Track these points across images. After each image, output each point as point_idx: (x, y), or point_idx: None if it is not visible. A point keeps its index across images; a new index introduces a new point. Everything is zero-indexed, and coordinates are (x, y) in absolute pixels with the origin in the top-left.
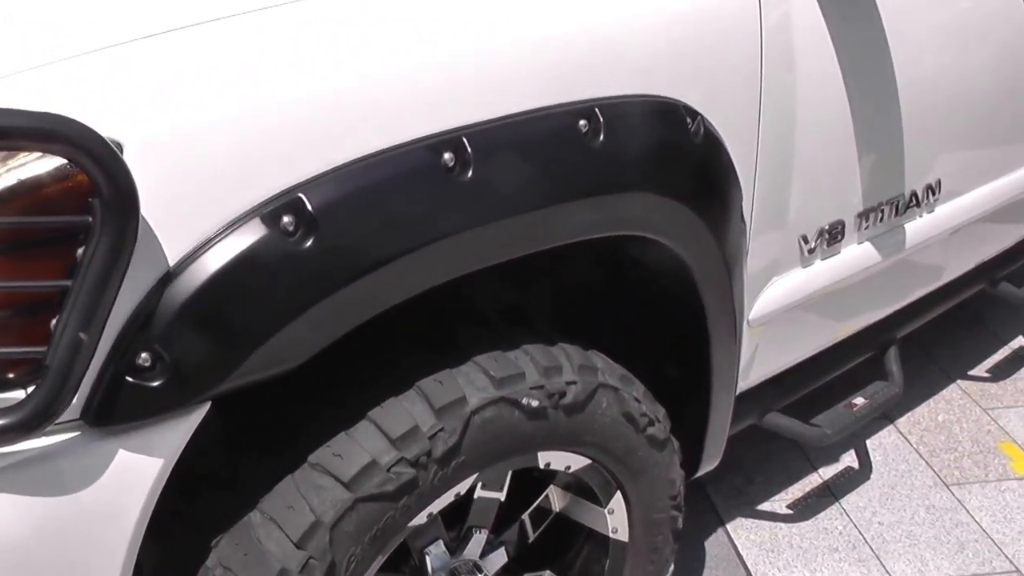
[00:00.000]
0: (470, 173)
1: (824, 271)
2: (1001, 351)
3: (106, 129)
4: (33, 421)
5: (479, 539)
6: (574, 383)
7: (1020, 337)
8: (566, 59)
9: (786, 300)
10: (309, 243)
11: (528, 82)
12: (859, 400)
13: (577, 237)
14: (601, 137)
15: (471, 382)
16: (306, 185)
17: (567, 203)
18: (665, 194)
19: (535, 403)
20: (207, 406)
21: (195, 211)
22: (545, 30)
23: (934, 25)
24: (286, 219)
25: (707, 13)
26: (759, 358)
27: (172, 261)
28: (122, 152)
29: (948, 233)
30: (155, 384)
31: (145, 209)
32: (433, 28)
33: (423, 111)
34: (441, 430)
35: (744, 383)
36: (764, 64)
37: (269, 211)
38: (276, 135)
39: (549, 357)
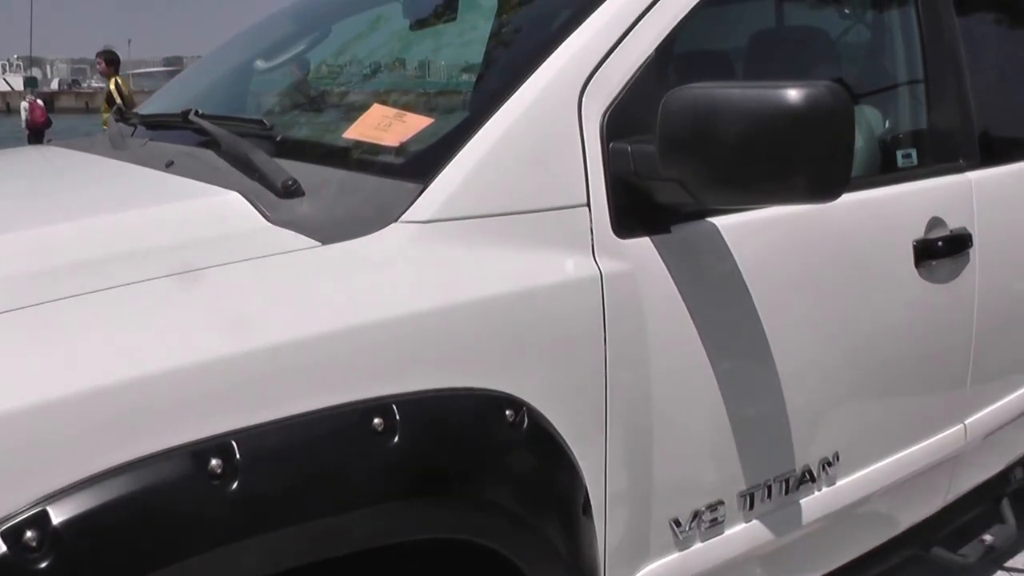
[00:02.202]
0: (237, 482)
1: (705, 552)
2: None
3: None
4: None
5: None
6: None
7: None
8: (361, 350)
9: None
10: (46, 564)
11: (315, 379)
12: None
13: (377, 543)
14: (398, 437)
15: None
16: (53, 499)
17: (355, 510)
18: (479, 494)
19: None
20: None
21: None
22: (336, 322)
23: (821, 287)
24: (29, 534)
25: (537, 296)
26: None
27: None
28: None
29: (854, 507)
30: None
31: None
32: (197, 325)
33: (187, 415)
34: None
35: None
36: (608, 341)
37: (11, 527)
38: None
39: None
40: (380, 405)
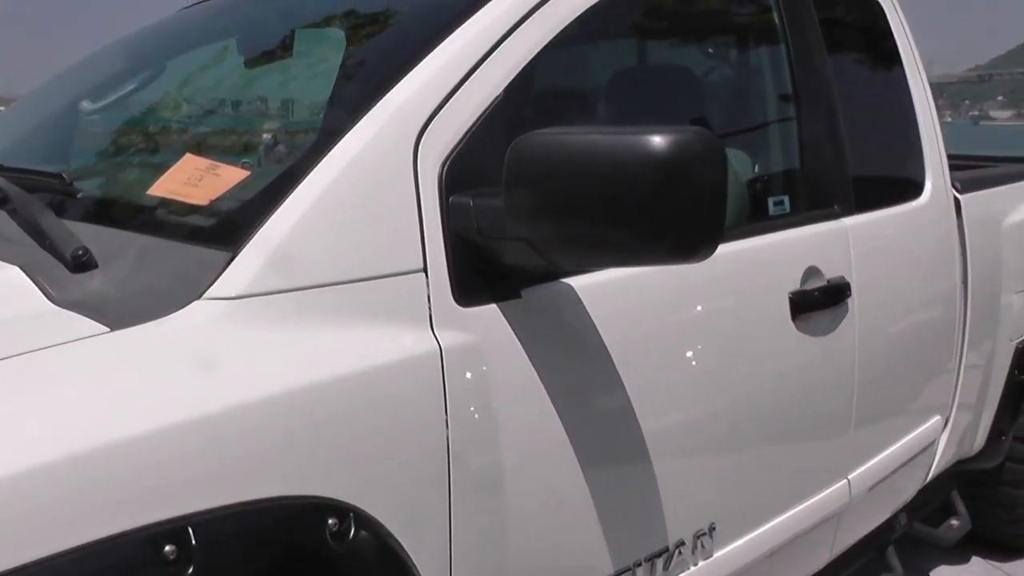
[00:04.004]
0: None
1: None
2: None
3: None
4: None
5: None
6: None
7: None
8: (145, 464)
9: None
10: None
11: (87, 504)
12: None
13: None
14: (193, 567)
15: None
16: None
17: None
18: None
19: None
20: None
21: None
22: (113, 432)
23: (690, 346)
24: None
25: (364, 380)
26: None
27: None
28: None
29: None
30: None
31: None
32: None
33: None
34: None
35: None
36: (451, 424)
37: None
38: None
39: None
40: (171, 529)
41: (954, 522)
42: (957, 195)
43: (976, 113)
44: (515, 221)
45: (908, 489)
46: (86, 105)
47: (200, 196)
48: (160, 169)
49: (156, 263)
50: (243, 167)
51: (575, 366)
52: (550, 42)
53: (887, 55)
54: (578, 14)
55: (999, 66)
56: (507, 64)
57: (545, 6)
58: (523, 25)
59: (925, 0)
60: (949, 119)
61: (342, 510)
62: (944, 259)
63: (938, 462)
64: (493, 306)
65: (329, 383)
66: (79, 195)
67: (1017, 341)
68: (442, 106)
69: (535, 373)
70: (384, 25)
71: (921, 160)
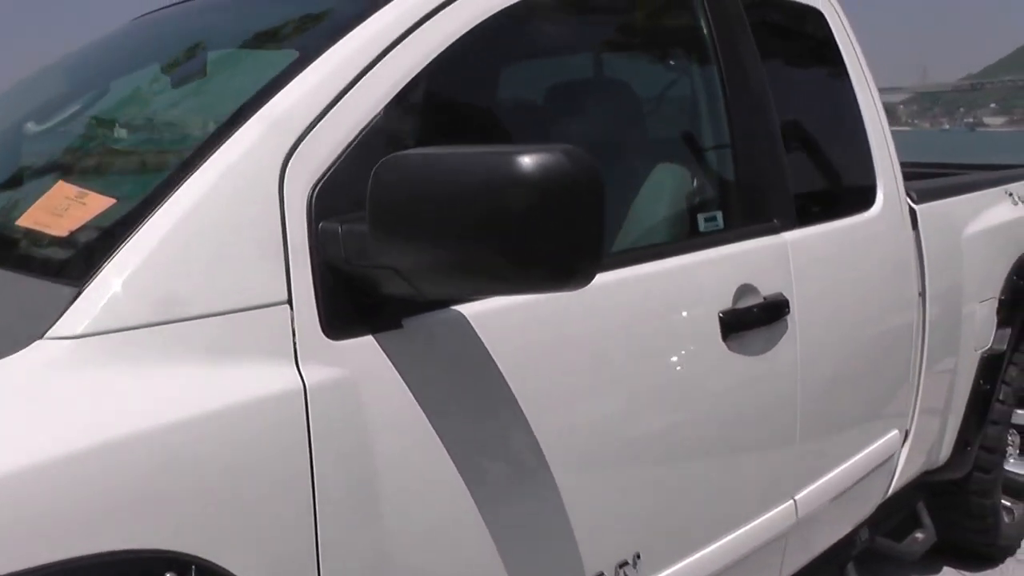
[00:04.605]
0: None
1: None
2: None
3: None
4: None
5: None
6: None
7: None
8: None
9: None
10: None
11: None
12: None
13: None
14: None
15: None
16: None
17: None
18: None
19: None
20: None
21: None
22: None
23: (606, 372)
24: None
25: (215, 422)
26: None
27: None
28: None
29: None
30: None
31: None
32: None
33: None
34: None
35: None
36: (317, 467)
37: None
38: None
39: None
40: None
41: (919, 535)
42: (912, 205)
43: (971, 120)
44: (381, 249)
45: (866, 505)
46: (31, 127)
47: (61, 227)
48: (36, 197)
49: (8, 299)
50: (112, 195)
51: (466, 399)
52: (443, 52)
53: (831, 64)
54: (478, 22)
55: (990, 75)
56: (392, 77)
57: (438, 15)
58: (410, 36)
59: (918, 12)
60: (947, 126)
61: (182, 562)
62: (898, 271)
63: (899, 476)
64: (369, 338)
65: (176, 426)
66: None
67: (982, 351)
68: (314, 125)
69: (419, 408)
70: (278, 42)
71: (871, 171)
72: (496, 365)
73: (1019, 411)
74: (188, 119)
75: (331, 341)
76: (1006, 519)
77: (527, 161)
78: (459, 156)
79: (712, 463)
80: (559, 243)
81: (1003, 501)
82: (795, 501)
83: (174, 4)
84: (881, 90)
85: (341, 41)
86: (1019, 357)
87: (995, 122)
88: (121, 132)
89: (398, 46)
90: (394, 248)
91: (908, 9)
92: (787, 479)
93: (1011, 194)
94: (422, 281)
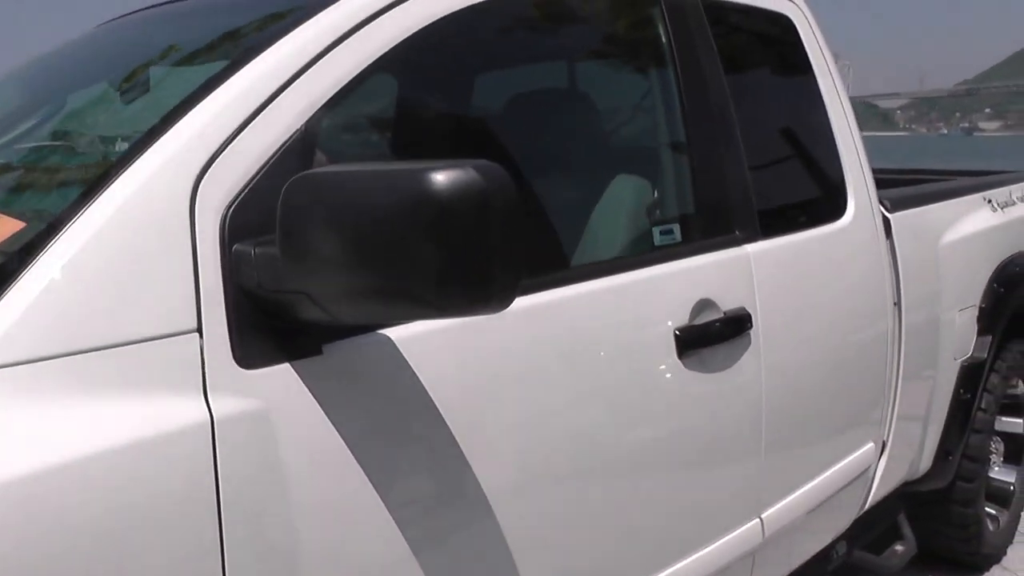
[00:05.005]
0: None
1: None
2: None
3: None
4: None
5: None
6: None
7: None
8: None
9: None
10: None
11: None
12: None
13: None
14: None
15: None
16: None
17: None
18: None
19: None
20: None
21: None
22: None
23: (551, 395)
24: None
25: (105, 461)
26: None
27: None
28: None
29: None
30: None
31: None
32: None
33: None
34: None
35: None
36: (224, 507)
37: None
38: None
39: None
40: None
41: (899, 547)
42: (886, 213)
43: (967, 125)
44: (292, 272)
45: (842, 519)
46: None
47: None
48: None
49: None
50: (24, 218)
51: (391, 428)
52: (373, 64)
53: (800, 71)
54: (420, 27)
55: (985, 80)
56: (316, 91)
57: (372, 23)
58: (338, 47)
59: (914, 19)
60: (944, 131)
61: None
62: (871, 280)
63: (877, 488)
64: (287, 366)
65: (65, 466)
66: None
67: (962, 360)
68: (230, 141)
69: (339, 439)
70: (214, 53)
71: (842, 180)
72: (425, 391)
73: (1003, 418)
74: (112, 136)
75: (243, 370)
76: (990, 527)
77: (438, 178)
78: (369, 174)
79: (670, 483)
80: (473, 264)
81: (988, 509)
82: (761, 519)
83: (140, 9)
84: (879, 96)
85: (263, 53)
86: (1000, 365)
87: (990, 126)
88: (48, 151)
89: (323, 58)
90: (305, 272)
91: (905, 17)
92: (752, 497)
93: (990, 201)
94: (337, 306)
